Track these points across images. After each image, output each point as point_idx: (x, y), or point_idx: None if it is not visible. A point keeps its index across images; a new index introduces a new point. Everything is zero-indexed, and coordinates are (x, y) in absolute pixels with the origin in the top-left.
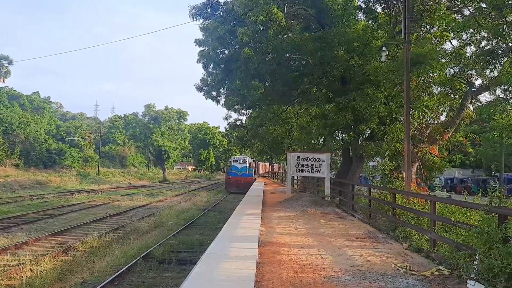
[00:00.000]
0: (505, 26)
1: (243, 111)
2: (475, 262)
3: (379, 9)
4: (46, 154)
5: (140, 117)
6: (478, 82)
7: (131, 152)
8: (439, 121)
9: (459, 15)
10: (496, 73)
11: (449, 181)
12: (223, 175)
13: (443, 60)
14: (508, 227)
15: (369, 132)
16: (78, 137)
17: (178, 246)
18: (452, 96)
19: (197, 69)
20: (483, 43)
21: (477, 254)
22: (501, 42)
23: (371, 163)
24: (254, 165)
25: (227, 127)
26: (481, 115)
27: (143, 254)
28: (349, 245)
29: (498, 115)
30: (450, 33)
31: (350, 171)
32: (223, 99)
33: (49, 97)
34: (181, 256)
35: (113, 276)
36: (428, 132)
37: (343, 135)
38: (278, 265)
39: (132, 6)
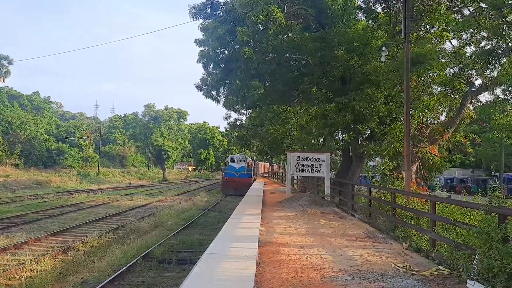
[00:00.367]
0: (505, 26)
1: (243, 111)
2: (474, 262)
3: (379, 9)
4: (46, 154)
5: (140, 117)
6: (478, 82)
7: (131, 152)
8: (439, 121)
9: (459, 15)
10: (496, 73)
11: (449, 181)
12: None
13: (443, 60)
14: (507, 227)
15: (369, 132)
16: (78, 137)
17: (178, 246)
18: (452, 96)
19: (197, 69)
20: (483, 43)
21: (477, 254)
22: (501, 42)
23: (371, 163)
24: (253, 165)
25: (227, 127)
26: (481, 115)
27: (143, 254)
28: (349, 245)
29: (498, 115)
30: (450, 33)
31: (350, 171)
32: (223, 99)
33: (49, 97)
34: (181, 256)
35: (113, 276)
36: (428, 132)
37: (343, 135)
38: (278, 265)
39: (132, 6)
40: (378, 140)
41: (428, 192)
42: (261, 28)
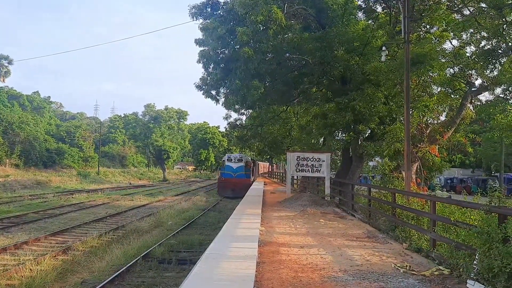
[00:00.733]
0: (505, 26)
1: (243, 111)
2: (475, 262)
3: (379, 9)
4: (46, 154)
5: (140, 117)
6: (478, 82)
7: (131, 152)
8: (439, 121)
9: (459, 15)
10: (496, 73)
11: (449, 181)
12: None
13: (443, 60)
14: (508, 227)
15: (369, 132)
16: (78, 137)
17: (178, 245)
18: (452, 96)
19: (197, 69)
20: (483, 43)
21: (477, 254)
22: (501, 42)
23: (371, 163)
24: (252, 165)
25: (227, 127)
26: (481, 115)
27: (143, 253)
28: (349, 244)
29: (498, 115)
30: (450, 33)
31: (350, 171)
32: (222, 99)
33: (49, 96)
34: (181, 256)
35: (113, 276)
36: (428, 132)
37: (343, 135)
38: (278, 264)
39: (132, 6)
40: (378, 140)
41: (428, 192)
42: (261, 28)
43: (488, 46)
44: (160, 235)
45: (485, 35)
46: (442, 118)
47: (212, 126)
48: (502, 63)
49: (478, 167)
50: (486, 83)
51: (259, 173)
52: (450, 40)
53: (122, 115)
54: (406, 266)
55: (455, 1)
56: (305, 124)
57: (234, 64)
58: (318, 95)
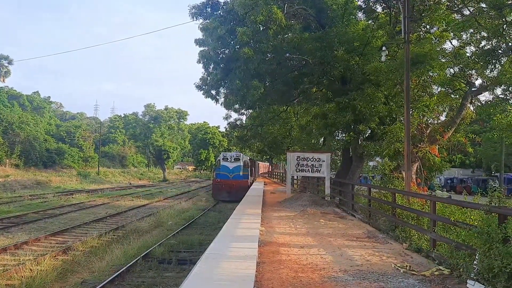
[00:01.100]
0: (505, 26)
1: (243, 111)
2: (475, 262)
3: (379, 9)
4: (46, 154)
5: (140, 117)
6: (478, 82)
7: (131, 152)
8: (439, 121)
9: (459, 15)
10: (496, 73)
11: (449, 181)
12: None
13: (443, 60)
14: (508, 227)
15: (369, 132)
16: (78, 137)
17: (178, 245)
18: (452, 96)
19: (197, 69)
20: (483, 43)
21: (477, 254)
22: (501, 42)
23: (371, 163)
24: (251, 164)
25: (227, 127)
26: (481, 115)
27: (143, 254)
28: (349, 245)
29: (498, 115)
30: (450, 33)
31: (350, 171)
32: (222, 99)
33: (49, 97)
34: (181, 256)
35: (113, 276)
36: (428, 132)
37: (343, 135)
38: (278, 265)
39: (132, 5)
40: (378, 140)
41: (428, 192)
42: (261, 28)
43: (488, 46)
44: (160, 235)
45: (485, 35)
46: (442, 118)
47: (212, 126)
48: (502, 63)
49: (478, 167)
50: (486, 83)
51: (259, 173)
52: (450, 40)
53: (122, 115)
54: (406, 266)
55: (455, 1)
56: (305, 124)
57: (234, 64)
58: (318, 95)
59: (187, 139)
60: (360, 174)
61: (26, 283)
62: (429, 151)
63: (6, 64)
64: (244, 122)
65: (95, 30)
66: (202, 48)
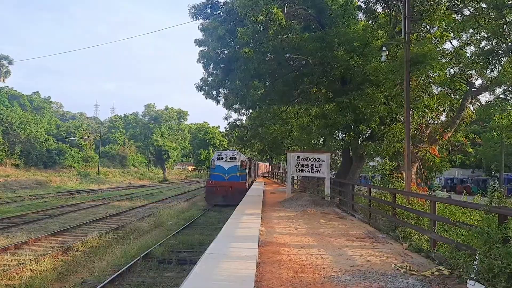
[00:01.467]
0: (505, 26)
1: (243, 111)
2: (475, 262)
3: (379, 9)
4: (46, 154)
5: (140, 117)
6: (478, 82)
7: (131, 152)
8: (439, 121)
9: (459, 15)
10: (496, 73)
11: (449, 181)
12: None
13: (443, 60)
14: (508, 227)
15: (369, 132)
16: (78, 137)
17: (178, 246)
18: (452, 96)
19: (197, 69)
20: (483, 43)
21: (477, 254)
22: (501, 42)
23: (371, 163)
24: (250, 164)
25: (227, 127)
26: (481, 115)
27: (143, 254)
28: (349, 245)
29: (498, 115)
30: (450, 33)
31: (350, 171)
32: (222, 99)
33: (49, 97)
34: (181, 256)
35: (113, 276)
36: (428, 132)
37: (343, 135)
38: (278, 265)
39: (133, 5)
40: (378, 140)
41: (428, 192)
42: (261, 28)
43: (488, 46)
44: (160, 235)
45: (485, 35)
46: (442, 118)
47: (212, 126)
48: (502, 63)
49: (478, 167)
50: (486, 83)
51: (259, 173)
52: (450, 40)
53: (122, 115)
54: (406, 266)
55: (455, 1)
56: (305, 124)
57: (234, 64)
58: (318, 95)
59: (187, 139)
60: (360, 174)
61: (26, 283)
62: (429, 151)
63: (6, 64)
64: (244, 122)
65: (95, 30)
66: (202, 48)
